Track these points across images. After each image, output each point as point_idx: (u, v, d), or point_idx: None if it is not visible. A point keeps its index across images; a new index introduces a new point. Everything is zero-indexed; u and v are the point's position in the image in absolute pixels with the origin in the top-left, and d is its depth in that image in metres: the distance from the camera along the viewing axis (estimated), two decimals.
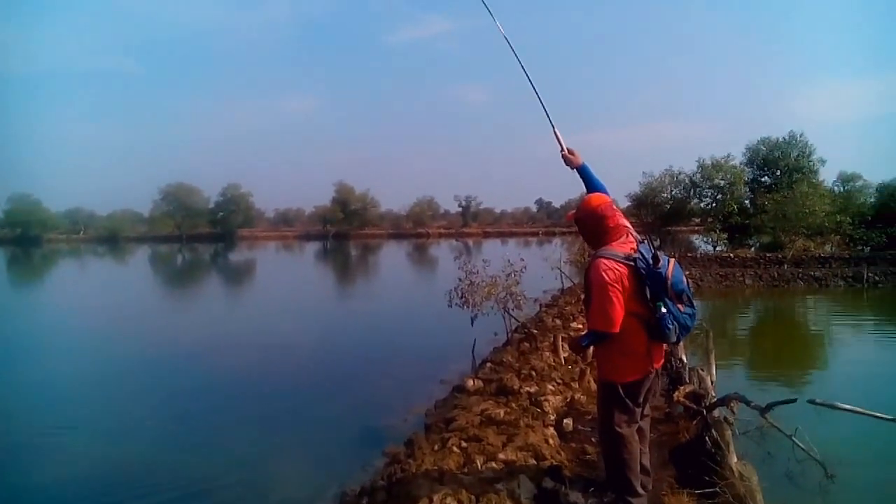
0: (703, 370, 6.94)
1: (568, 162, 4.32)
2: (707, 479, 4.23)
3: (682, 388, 6.51)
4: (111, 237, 79.09)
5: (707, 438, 5.27)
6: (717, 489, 4.13)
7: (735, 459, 4.57)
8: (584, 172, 4.30)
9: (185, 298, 24.75)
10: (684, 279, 3.74)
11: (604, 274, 3.63)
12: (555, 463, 4.76)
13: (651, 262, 3.67)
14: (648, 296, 3.65)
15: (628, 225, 3.97)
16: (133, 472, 6.05)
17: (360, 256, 51.01)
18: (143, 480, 5.82)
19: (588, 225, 3.93)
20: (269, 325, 15.74)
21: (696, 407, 6.02)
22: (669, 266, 3.67)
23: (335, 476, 5.64)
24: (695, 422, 5.79)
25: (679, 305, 3.69)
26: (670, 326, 3.63)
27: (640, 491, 3.97)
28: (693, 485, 4.36)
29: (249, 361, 11.26)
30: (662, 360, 3.95)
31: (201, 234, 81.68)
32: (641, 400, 3.94)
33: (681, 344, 8.62)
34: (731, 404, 5.64)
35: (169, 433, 7.28)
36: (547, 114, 4.49)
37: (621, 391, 3.84)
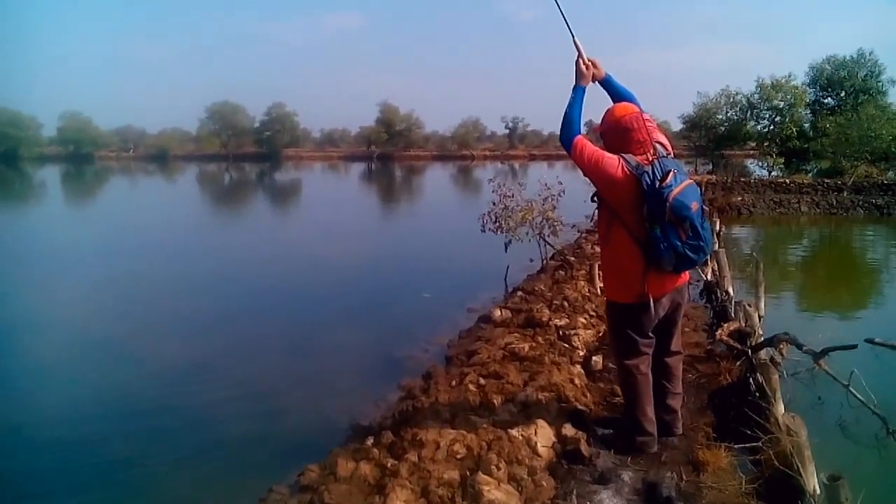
0: (750, 305, 6.36)
1: (582, 76, 3.60)
2: (749, 433, 3.75)
3: (726, 324, 5.98)
4: (160, 155, 79.87)
5: (751, 381, 4.81)
6: (760, 444, 3.66)
7: (782, 410, 4.08)
8: (608, 85, 3.75)
9: (228, 217, 24.87)
10: (695, 206, 3.30)
11: (613, 157, 3.39)
12: (578, 406, 4.36)
13: (658, 178, 3.25)
14: (645, 215, 3.31)
15: (662, 141, 3.50)
16: (139, 395, 5.92)
17: (404, 178, 50.56)
18: (149, 404, 5.69)
19: (612, 138, 3.51)
20: (305, 245, 15.65)
21: (740, 346, 5.50)
22: (678, 187, 3.23)
23: (347, 409, 5.34)
24: (738, 363, 5.30)
25: (681, 233, 3.27)
26: (664, 254, 3.29)
27: (648, 429, 3.71)
28: (733, 437, 3.91)
29: (278, 281, 11.13)
30: (665, 290, 3.51)
31: (247, 154, 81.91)
32: (646, 330, 3.59)
33: (727, 275, 8.05)
34: (781, 346, 5.12)
35: (182, 353, 7.11)
36: (564, 17, 3.70)
37: (617, 312, 3.66)
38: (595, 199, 3.68)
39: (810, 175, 27.83)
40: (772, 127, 31.35)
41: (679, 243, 3.27)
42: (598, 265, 8.54)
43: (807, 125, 31.07)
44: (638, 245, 3.39)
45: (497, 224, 9.88)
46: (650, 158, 3.36)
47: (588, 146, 3.47)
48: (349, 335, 7.76)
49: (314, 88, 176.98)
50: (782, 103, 30.60)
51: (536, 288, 8.29)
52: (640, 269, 3.41)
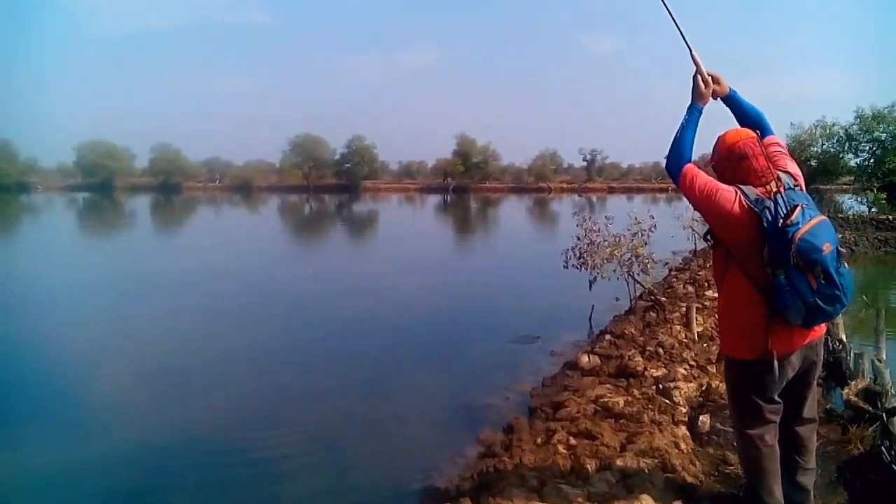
0: (880, 361, 5.56)
1: (701, 95, 3.08)
2: None
3: (853, 383, 5.21)
4: (244, 186, 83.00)
5: (884, 451, 4.08)
6: None
7: None
8: (732, 102, 3.23)
9: (306, 248, 25.07)
10: (827, 247, 2.70)
11: (729, 190, 2.85)
12: (688, 477, 3.75)
13: (782, 215, 2.71)
14: (766, 258, 2.77)
15: (790, 170, 3.02)
16: (206, 439, 5.67)
17: (479, 210, 50.34)
18: (216, 448, 5.43)
19: (726, 169, 3.00)
20: (381, 278, 15.39)
21: (871, 410, 4.75)
22: (806, 225, 2.68)
23: (421, 464, 4.90)
24: (871, 428, 4.55)
25: (811, 280, 2.69)
26: (790, 304, 2.72)
27: None
28: None
29: (352, 316, 10.83)
30: (793, 347, 2.91)
31: (327, 185, 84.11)
32: (772, 393, 2.98)
33: (839, 322, 7.20)
34: None
35: (253, 391, 6.89)
36: (678, 27, 3.08)
37: (736, 370, 3.09)
38: (708, 237, 3.18)
39: None
40: (872, 160, 29.46)
41: (809, 292, 2.71)
42: (695, 307, 7.85)
43: None
44: (759, 292, 2.85)
45: (581, 260, 9.32)
46: (773, 191, 2.83)
47: (700, 176, 2.95)
48: (423, 377, 7.35)
49: (392, 121, 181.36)
50: (884, 135, 28.79)
51: (626, 331, 7.66)
52: (761, 321, 2.85)
